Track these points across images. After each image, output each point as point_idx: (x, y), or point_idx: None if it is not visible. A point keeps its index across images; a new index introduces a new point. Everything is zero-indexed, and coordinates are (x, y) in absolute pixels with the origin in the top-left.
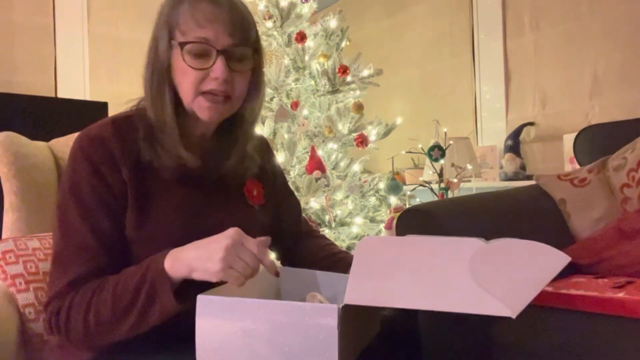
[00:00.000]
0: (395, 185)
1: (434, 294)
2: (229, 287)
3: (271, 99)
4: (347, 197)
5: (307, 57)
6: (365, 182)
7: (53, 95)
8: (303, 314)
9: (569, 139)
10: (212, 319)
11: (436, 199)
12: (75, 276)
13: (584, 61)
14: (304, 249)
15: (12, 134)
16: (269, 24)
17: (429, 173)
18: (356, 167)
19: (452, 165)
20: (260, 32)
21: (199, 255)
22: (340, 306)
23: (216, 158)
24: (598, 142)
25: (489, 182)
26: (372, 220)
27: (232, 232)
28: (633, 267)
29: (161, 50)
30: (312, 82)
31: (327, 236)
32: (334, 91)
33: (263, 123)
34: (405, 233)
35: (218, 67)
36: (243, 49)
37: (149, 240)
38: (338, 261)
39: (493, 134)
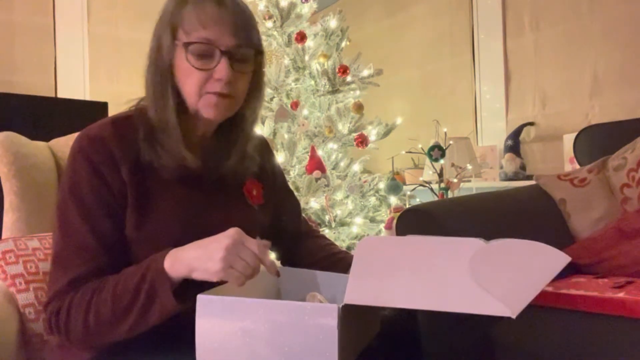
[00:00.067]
0: (395, 185)
1: (434, 294)
2: (229, 287)
3: (271, 99)
4: (347, 197)
5: (307, 57)
6: (365, 182)
7: (53, 95)
8: (303, 314)
9: (569, 139)
10: (212, 318)
11: (436, 199)
12: (75, 276)
13: (584, 61)
14: (304, 249)
15: (12, 134)
16: (269, 24)
17: (429, 173)
18: (356, 167)
19: (452, 165)
20: (260, 32)
21: (199, 255)
22: (340, 306)
23: (216, 158)
24: (598, 142)
25: (489, 182)
26: (372, 220)
27: (232, 232)
28: (633, 267)
29: (164, 50)
30: (312, 82)
31: (327, 236)
32: (334, 91)
33: (263, 123)
34: (405, 233)
35: (222, 68)
36: (246, 50)
37: (148, 240)
38: (338, 261)
39: (493, 134)
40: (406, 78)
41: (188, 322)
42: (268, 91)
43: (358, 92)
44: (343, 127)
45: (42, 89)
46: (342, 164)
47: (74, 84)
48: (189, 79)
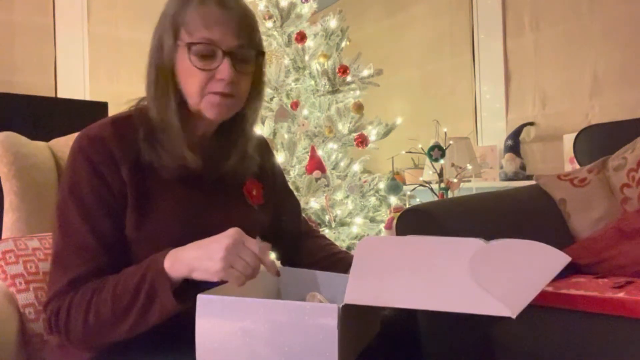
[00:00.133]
0: (395, 185)
1: (434, 294)
2: (230, 286)
3: (271, 99)
4: (347, 197)
5: (307, 57)
6: (365, 182)
7: (53, 95)
8: (303, 314)
9: (569, 139)
10: (212, 318)
11: (436, 199)
12: (75, 276)
13: (584, 61)
14: (304, 248)
15: (12, 134)
16: (269, 24)
17: (429, 173)
18: (356, 167)
19: (452, 165)
20: (260, 33)
21: (200, 255)
22: (340, 306)
23: (216, 158)
24: (598, 142)
25: (489, 182)
26: (372, 220)
27: (232, 232)
28: (633, 267)
29: (166, 50)
30: (312, 82)
31: (327, 236)
32: (334, 91)
33: (263, 123)
34: (405, 233)
35: (224, 68)
36: (248, 50)
37: (148, 240)
38: (338, 261)
39: (493, 134)
40: (406, 78)
41: (188, 322)
42: (268, 91)
43: (358, 92)
44: (343, 127)
45: (42, 89)
46: (342, 164)
47: (74, 84)
48: (191, 79)
